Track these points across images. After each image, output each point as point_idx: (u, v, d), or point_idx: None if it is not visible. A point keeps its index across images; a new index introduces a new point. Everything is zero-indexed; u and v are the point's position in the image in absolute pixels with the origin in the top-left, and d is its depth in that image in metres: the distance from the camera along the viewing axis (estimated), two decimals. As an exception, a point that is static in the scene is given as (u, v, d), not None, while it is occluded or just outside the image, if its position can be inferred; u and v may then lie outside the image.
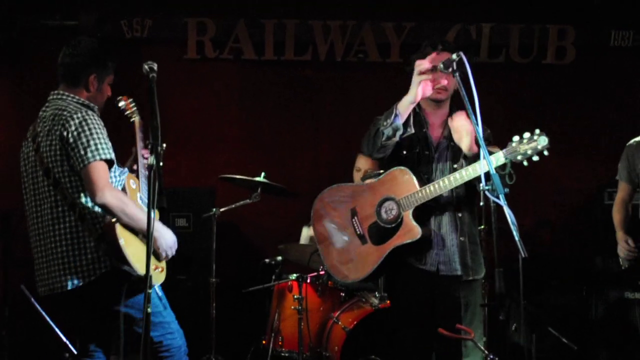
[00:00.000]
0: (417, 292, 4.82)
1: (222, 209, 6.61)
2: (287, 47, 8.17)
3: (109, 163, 4.45)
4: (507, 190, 3.96)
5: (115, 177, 4.59)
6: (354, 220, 4.94)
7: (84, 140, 4.39)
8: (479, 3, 8.14)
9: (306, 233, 7.16)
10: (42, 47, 7.97)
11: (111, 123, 4.61)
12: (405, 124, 4.77)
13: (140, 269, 4.34)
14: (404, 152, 4.86)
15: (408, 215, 4.68)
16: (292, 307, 6.29)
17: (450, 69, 4.42)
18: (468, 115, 4.28)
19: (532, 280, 6.98)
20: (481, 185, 4.06)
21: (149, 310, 3.87)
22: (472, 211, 4.88)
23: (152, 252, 4.28)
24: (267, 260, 6.92)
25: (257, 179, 6.42)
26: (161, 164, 3.95)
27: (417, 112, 4.89)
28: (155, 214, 4.25)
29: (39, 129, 4.56)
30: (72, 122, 4.43)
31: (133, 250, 4.40)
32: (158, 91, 4.34)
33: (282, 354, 6.34)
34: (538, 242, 8.17)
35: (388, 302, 6.01)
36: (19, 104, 8.00)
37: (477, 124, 4.17)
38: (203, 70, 8.15)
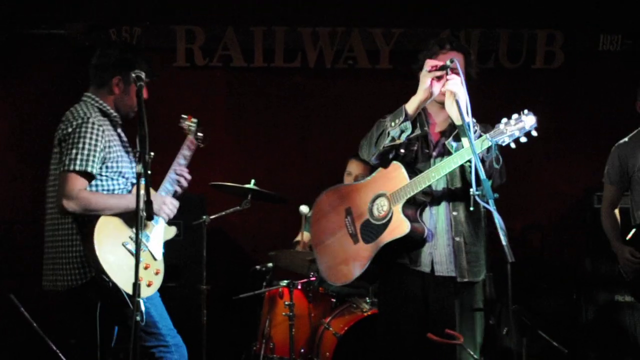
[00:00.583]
0: (408, 295, 4.76)
1: (212, 216, 6.60)
2: (277, 54, 8.17)
3: (86, 175, 4.49)
4: (496, 195, 3.95)
5: (118, 186, 4.67)
6: (347, 219, 4.93)
7: (69, 146, 4.47)
8: (467, 9, 8.16)
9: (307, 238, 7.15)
10: (30, 55, 7.97)
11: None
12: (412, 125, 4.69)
13: (118, 280, 4.41)
14: (402, 151, 4.75)
15: (398, 210, 4.64)
16: (283, 314, 6.28)
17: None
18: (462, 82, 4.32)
19: (522, 284, 7.00)
20: (471, 190, 4.05)
21: (137, 318, 3.88)
22: (471, 211, 4.64)
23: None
24: (257, 266, 6.90)
25: (247, 186, 6.41)
26: (149, 172, 3.97)
27: (420, 112, 4.77)
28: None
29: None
30: (69, 126, 4.53)
31: (112, 258, 4.43)
32: (147, 99, 4.37)
33: (274, 361, 6.35)
34: (528, 246, 8.18)
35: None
36: (6, 112, 8.00)
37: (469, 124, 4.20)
38: (192, 78, 8.15)
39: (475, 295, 4.76)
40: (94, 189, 4.53)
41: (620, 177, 6.02)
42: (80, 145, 4.46)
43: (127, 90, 4.74)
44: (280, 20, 8.14)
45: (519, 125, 4.29)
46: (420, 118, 4.78)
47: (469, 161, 4.36)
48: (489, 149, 4.41)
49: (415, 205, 4.70)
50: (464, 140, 4.44)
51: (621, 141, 6.11)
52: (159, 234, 4.83)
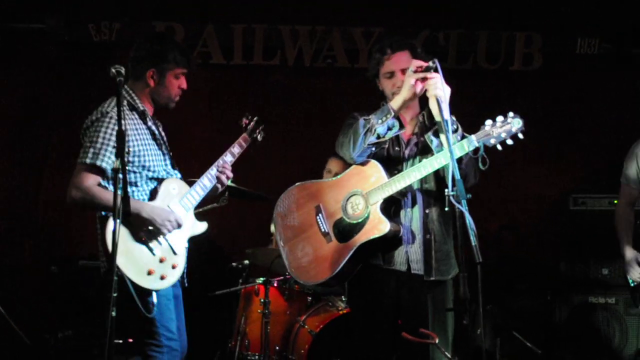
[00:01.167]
0: (381, 295, 4.75)
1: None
2: (256, 51, 8.18)
3: (96, 169, 4.51)
4: (469, 195, 3.96)
5: (139, 181, 4.71)
6: (318, 217, 4.86)
7: (85, 140, 4.57)
8: (447, 10, 8.18)
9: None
10: (10, 49, 7.94)
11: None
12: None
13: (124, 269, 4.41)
14: (373, 149, 4.73)
15: (375, 209, 4.61)
16: (259, 311, 6.28)
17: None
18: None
19: (497, 284, 7.04)
20: (447, 190, 4.05)
21: (113, 314, 3.88)
22: (442, 209, 4.60)
23: (147, 236, 4.54)
24: (234, 263, 6.90)
25: (225, 183, 6.41)
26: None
27: None
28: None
29: None
30: (90, 120, 4.61)
31: (122, 247, 4.37)
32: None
33: (249, 358, 6.33)
34: (504, 247, 8.20)
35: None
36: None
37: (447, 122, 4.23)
38: (171, 74, 8.14)
39: (447, 294, 4.77)
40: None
41: (638, 175, 5.87)
42: (95, 139, 4.50)
43: (162, 81, 4.79)
44: (259, 18, 8.15)
45: (506, 128, 4.33)
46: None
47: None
48: (476, 150, 4.41)
49: (391, 204, 4.69)
50: (443, 138, 4.46)
51: None
52: (185, 228, 4.80)
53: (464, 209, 3.91)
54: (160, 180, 4.78)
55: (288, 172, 7.99)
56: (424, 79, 4.49)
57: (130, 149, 4.58)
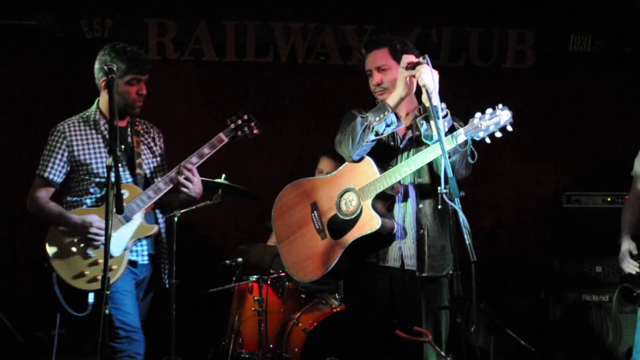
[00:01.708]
0: (376, 293, 4.74)
1: (182, 210, 6.57)
2: (248, 48, 8.16)
3: (44, 180, 4.95)
4: (462, 193, 3.95)
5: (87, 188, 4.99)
6: (313, 215, 4.87)
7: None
8: (439, 7, 8.17)
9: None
10: (1, 46, 7.91)
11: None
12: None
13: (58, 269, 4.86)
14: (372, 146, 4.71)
15: (367, 205, 4.61)
16: (253, 309, 6.29)
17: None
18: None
19: (491, 282, 7.04)
20: (439, 188, 4.04)
21: (107, 311, 3.93)
22: (437, 204, 4.41)
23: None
24: (227, 261, 6.90)
25: (218, 180, 6.38)
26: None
27: None
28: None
29: None
30: None
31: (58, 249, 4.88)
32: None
33: (242, 355, 6.33)
34: (497, 245, 8.20)
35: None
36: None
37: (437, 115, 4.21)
38: (164, 72, 8.09)
39: (441, 292, 4.76)
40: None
41: None
42: (46, 152, 4.98)
43: (116, 89, 4.76)
44: (252, 15, 8.13)
45: (495, 120, 4.31)
46: None
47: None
48: (464, 144, 4.39)
49: (384, 200, 4.69)
50: (433, 125, 4.41)
51: None
52: (125, 231, 4.96)
53: (457, 207, 3.90)
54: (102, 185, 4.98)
55: (280, 169, 7.98)
56: (414, 75, 4.49)
57: (81, 159, 4.96)
